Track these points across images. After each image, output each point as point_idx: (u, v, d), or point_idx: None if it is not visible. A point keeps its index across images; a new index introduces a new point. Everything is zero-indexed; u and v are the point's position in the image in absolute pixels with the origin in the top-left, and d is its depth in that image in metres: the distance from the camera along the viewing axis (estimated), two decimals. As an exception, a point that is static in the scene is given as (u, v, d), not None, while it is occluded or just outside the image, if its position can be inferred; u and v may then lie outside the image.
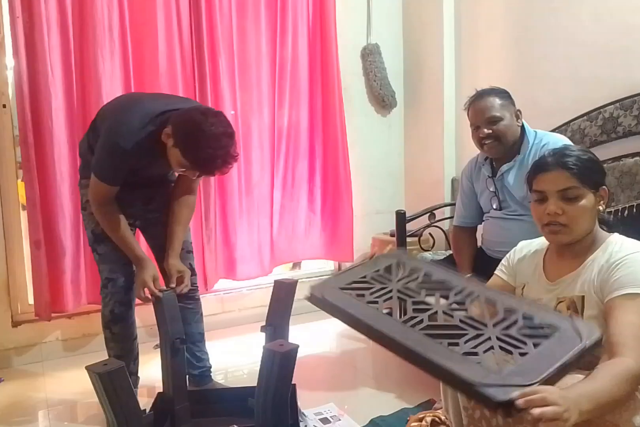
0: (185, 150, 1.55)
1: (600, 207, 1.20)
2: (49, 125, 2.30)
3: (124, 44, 2.43)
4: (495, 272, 1.47)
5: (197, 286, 2.01)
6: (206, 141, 1.52)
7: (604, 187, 1.20)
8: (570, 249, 1.26)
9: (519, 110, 1.87)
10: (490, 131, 1.83)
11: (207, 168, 1.59)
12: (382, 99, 3.21)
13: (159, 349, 1.72)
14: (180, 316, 1.89)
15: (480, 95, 1.88)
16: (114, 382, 1.22)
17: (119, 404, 1.24)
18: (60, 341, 2.51)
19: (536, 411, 0.78)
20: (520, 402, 0.78)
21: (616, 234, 1.24)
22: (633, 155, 2.07)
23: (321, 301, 1.13)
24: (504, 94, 1.87)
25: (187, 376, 1.94)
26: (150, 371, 2.18)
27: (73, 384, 2.18)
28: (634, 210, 2.00)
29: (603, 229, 1.26)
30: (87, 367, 1.24)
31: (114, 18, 2.40)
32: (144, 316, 1.91)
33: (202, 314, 2.03)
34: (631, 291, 1.09)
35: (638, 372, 0.98)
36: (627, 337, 1.03)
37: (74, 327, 2.53)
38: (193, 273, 1.96)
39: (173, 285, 1.77)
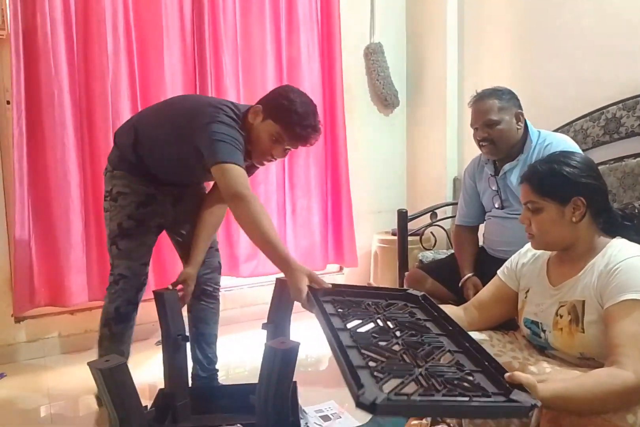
0: (282, 111, 1.60)
1: (574, 218, 1.21)
2: (50, 123, 2.31)
3: (128, 41, 2.45)
4: (498, 272, 1.48)
5: (219, 286, 1.99)
6: (299, 102, 1.61)
7: (579, 198, 1.21)
8: (568, 255, 1.28)
9: (520, 113, 1.85)
10: (486, 135, 1.84)
11: (305, 126, 1.61)
12: (384, 98, 3.22)
13: (159, 346, 1.73)
14: (201, 316, 1.92)
15: (481, 97, 1.87)
16: (116, 378, 1.22)
17: (121, 400, 1.24)
18: (62, 336, 2.53)
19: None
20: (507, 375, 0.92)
21: (617, 238, 1.24)
22: (635, 156, 2.07)
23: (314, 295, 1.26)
24: (506, 95, 1.85)
25: (195, 377, 1.95)
26: (152, 368, 2.19)
27: (75, 379, 2.20)
28: (636, 211, 1.99)
29: (632, 234, 1.26)
30: (89, 363, 1.25)
31: (118, 15, 2.41)
32: (146, 312, 1.91)
33: (219, 316, 2.00)
34: (630, 296, 1.09)
35: (635, 384, 0.98)
36: (629, 347, 1.03)
37: (76, 323, 2.54)
38: (221, 271, 1.97)
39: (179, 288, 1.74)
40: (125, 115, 2.42)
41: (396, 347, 1.08)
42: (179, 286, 1.75)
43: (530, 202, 1.26)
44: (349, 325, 1.17)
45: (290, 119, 1.60)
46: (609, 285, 1.14)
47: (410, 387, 0.90)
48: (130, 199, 1.73)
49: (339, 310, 1.25)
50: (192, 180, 1.88)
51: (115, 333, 1.78)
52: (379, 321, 1.22)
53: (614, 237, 1.25)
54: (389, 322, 1.21)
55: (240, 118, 1.64)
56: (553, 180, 1.23)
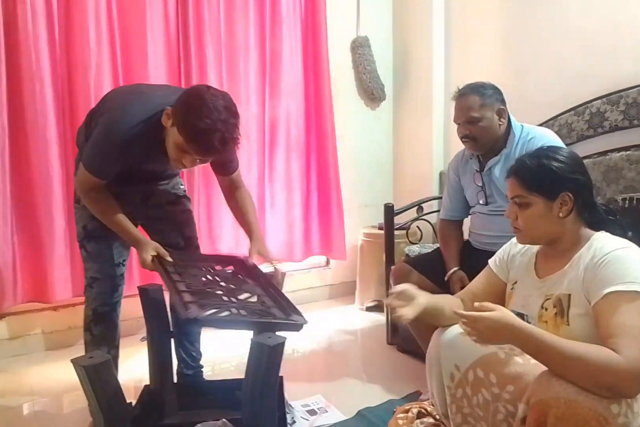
0: (183, 121, 1.42)
1: (561, 214, 1.22)
2: (32, 116, 2.27)
3: (111, 33, 2.41)
4: (490, 262, 1.48)
5: None
6: (205, 111, 1.39)
7: (567, 193, 1.22)
8: (553, 249, 1.29)
9: (503, 109, 1.85)
10: (468, 132, 1.85)
11: (204, 143, 1.42)
12: (371, 92, 3.21)
13: (145, 342, 1.71)
14: None
15: (463, 93, 1.87)
16: (100, 375, 1.21)
17: (105, 397, 1.23)
18: (45, 333, 2.50)
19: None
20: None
21: (602, 232, 1.25)
22: (619, 150, 2.09)
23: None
24: (488, 91, 1.85)
25: (180, 375, 1.94)
26: (137, 364, 2.17)
27: (58, 376, 2.17)
28: (619, 204, 2.02)
29: (616, 228, 1.27)
30: (72, 360, 1.23)
31: (101, 7, 2.36)
32: (131, 308, 1.89)
33: None
34: (613, 289, 1.10)
35: (619, 366, 0.99)
36: (620, 337, 1.04)
37: (59, 319, 2.51)
38: None
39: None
40: (108, 108, 2.38)
41: (219, 292, 1.48)
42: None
43: (518, 197, 1.26)
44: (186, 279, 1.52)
45: (193, 131, 1.41)
46: (595, 278, 1.15)
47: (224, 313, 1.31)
48: None
49: (180, 270, 1.59)
50: (151, 169, 1.77)
51: (97, 335, 1.76)
52: (209, 276, 1.62)
53: (598, 231, 1.26)
54: (217, 277, 1.61)
55: (155, 118, 1.52)
56: (542, 176, 1.24)
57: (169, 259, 1.61)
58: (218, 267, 1.74)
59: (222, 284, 1.55)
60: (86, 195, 1.63)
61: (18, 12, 2.19)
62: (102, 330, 1.76)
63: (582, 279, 1.18)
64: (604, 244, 1.19)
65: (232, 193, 1.84)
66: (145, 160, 1.64)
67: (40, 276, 2.38)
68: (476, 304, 1.14)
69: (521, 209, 1.26)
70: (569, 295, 1.20)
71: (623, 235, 1.24)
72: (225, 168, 1.78)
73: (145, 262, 1.59)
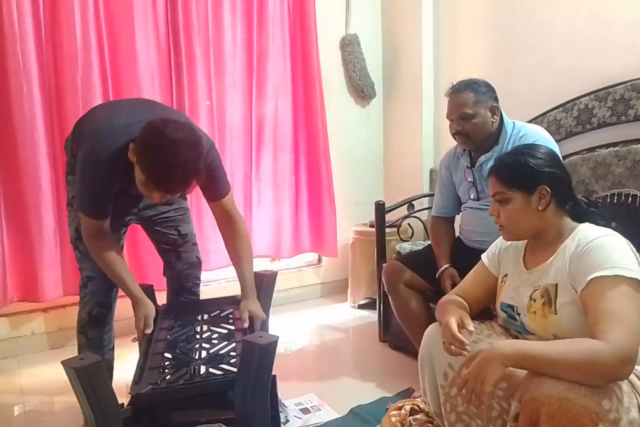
0: (143, 161, 1.39)
1: (540, 207, 1.26)
2: (19, 116, 2.25)
3: (98, 33, 2.38)
4: (482, 256, 1.50)
5: (200, 281, 1.97)
6: (164, 148, 1.35)
7: (544, 187, 1.25)
8: (539, 243, 1.32)
9: (496, 106, 1.86)
10: (461, 128, 1.86)
11: (164, 181, 1.39)
12: (361, 90, 3.21)
13: (137, 342, 1.70)
14: None
15: (457, 89, 1.88)
16: (91, 377, 1.20)
17: (96, 399, 1.22)
18: (35, 334, 2.47)
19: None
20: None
21: (586, 224, 1.28)
22: (607, 146, 2.10)
23: None
24: (482, 88, 1.86)
25: None
26: (128, 365, 2.16)
27: (49, 378, 2.15)
28: (608, 200, 2.03)
29: (599, 220, 1.30)
30: (63, 362, 1.22)
31: (88, 7, 2.34)
32: (122, 309, 1.88)
33: None
34: (599, 274, 1.12)
35: (604, 353, 1.01)
36: (604, 324, 1.06)
37: (49, 320, 2.49)
38: (201, 266, 1.95)
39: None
40: (97, 108, 2.36)
41: (194, 347, 1.55)
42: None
43: (498, 194, 1.31)
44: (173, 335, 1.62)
45: (153, 170, 1.38)
46: (579, 266, 1.18)
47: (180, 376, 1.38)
48: None
49: (170, 322, 1.71)
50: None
51: (92, 339, 1.74)
52: (197, 326, 1.69)
53: (582, 223, 1.29)
54: (203, 326, 1.69)
55: (124, 152, 1.47)
56: (519, 171, 1.28)
57: (148, 331, 1.60)
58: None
59: (204, 336, 1.62)
60: (93, 243, 1.60)
61: (4, 12, 2.16)
62: (97, 333, 1.74)
63: (568, 268, 1.21)
64: (587, 233, 1.23)
65: (228, 231, 1.77)
66: (130, 188, 1.58)
67: (30, 275, 2.36)
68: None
69: (502, 206, 1.30)
70: (556, 284, 1.23)
71: (606, 225, 1.27)
72: (213, 193, 1.72)
73: (137, 324, 1.62)
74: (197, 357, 1.49)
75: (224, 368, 1.40)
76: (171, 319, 1.75)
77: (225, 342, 1.56)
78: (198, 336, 1.62)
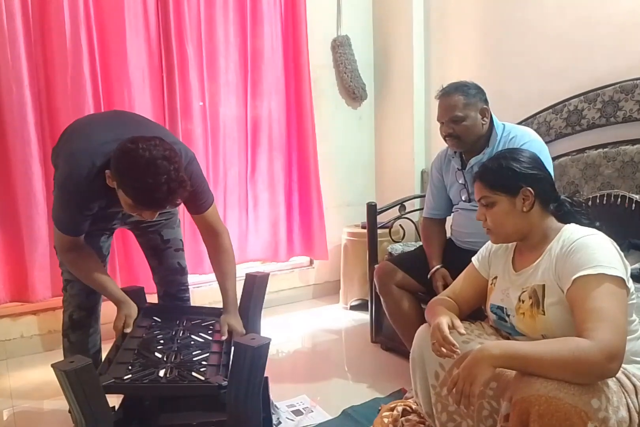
0: (125, 187, 1.38)
1: (525, 208, 1.28)
2: (9, 117, 2.24)
3: (89, 32, 2.37)
4: (473, 259, 1.52)
5: (187, 286, 1.95)
6: (143, 170, 1.33)
7: (527, 188, 1.28)
8: (526, 245, 1.34)
9: (486, 108, 1.87)
10: (452, 131, 1.86)
11: (152, 200, 1.38)
12: (352, 91, 3.21)
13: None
14: None
15: (447, 92, 1.88)
16: (82, 379, 1.19)
17: (87, 402, 1.21)
18: (25, 337, 2.45)
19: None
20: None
21: (571, 224, 1.29)
22: (596, 147, 2.12)
23: None
24: (472, 91, 1.86)
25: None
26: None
27: (39, 382, 2.14)
28: (597, 201, 2.05)
29: (583, 219, 1.32)
30: (53, 365, 1.21)
31: (78, 6, 2.33)
32: (109, 312, 1.86)
33: None
34: (583, 273, 1.13)
35: (590, 351, 1.01)
36: (589, 322, 1.07)
37: (39, 323, 2.47)
38: (184, 272, 1.92)
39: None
40: (87, 109, 2.35)
41: (166, 349, 1.52)
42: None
43: (484, 198, 1.33)
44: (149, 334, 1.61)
45: (138, 193, 1.37)
46: (565, 266, 1.19)
47: (146, 375, 1.36)
48: None
49: (154, 323, 1.72)
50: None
51: (74, 342, 1.73)
52: (178, 331, 1.66)
53: (568, 224, 1.30)
54: (183, 332, 1.65)
55: (100, 172, 1.45)
56: (502, 175, 1.31)
57: (127, 330, 1.58)
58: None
59: (179, 341, 1.59)
60: (66, 255, 1.59)
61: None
62: (79, 337, 1.73)
63: (554, 269, 1.22)
64: (571, 233, 1.24)
65: (214, 246, 1.74)
66: (111, 205, 1.58)
67: (20, 275, 2.35)
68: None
69: (488, 209, 1.33)
70: (543, 285, 1.24)
71: (590, 225, 1.29)
72: (195, 207, 1.69)
73: (116, 323, 1.60)
74: (167, 360, 1.45)
75: (191, 375, 1.36)
76: (152, 319, 1.73)
77: (200, 351, 1.53)
78: (174, 340, 1.59)
